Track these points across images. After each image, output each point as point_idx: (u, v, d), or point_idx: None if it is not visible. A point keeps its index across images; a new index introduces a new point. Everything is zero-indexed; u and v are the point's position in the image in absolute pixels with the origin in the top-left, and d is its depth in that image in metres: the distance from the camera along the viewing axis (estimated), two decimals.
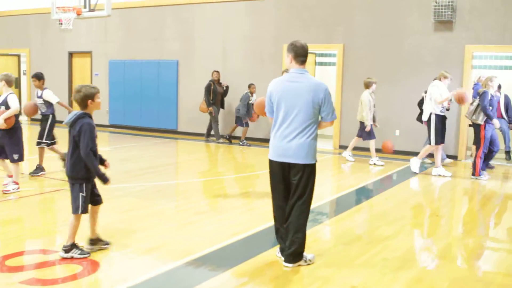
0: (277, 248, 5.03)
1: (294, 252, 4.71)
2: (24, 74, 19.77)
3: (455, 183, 9.20)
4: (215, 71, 13.65)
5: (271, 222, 6.24)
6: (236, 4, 14.00)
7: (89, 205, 4.95)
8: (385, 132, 12.10)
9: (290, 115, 4.58)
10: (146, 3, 15.50)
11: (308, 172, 4.66)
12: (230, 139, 13.69)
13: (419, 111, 10.81)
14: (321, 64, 15.41)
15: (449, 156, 11.43)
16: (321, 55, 15.42)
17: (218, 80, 13.63)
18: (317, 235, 5.17)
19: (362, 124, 10.76)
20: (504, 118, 11.27)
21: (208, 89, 13.36)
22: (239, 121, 13.33)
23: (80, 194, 4.80)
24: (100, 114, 16.75)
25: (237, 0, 13.93)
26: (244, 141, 13.31)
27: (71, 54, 17.36)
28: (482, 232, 6.37)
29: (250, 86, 13.20)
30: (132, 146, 12.77)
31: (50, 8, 12.88)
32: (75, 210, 4.81)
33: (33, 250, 5.14)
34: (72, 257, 4.80)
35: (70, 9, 12.30)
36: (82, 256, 4.82)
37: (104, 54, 16.52)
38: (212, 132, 13.87)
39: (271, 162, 4.78)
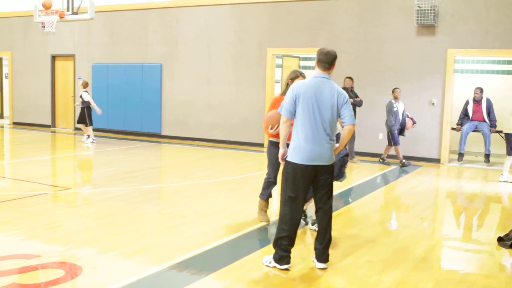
0: (267, 257, 4.91)
1: (328, 250, 4.88)
2: (6, 77, 19.55)
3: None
4: (347, 77, 11.26)
5: (254, 226, 6.26)
6: (220, 8, 13.99)
7: None
8: (368, 135, 12.17)
9: (318, 118, 4.65)
10: (130, 6, 15.42)
11: (331, 172, 4.83)
12: (386, 161, 11.40)
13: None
14: (304, 68, 15.46)
15: (432, 160, 11.52)
16: (305, 59, 15.48)
17: (352, 88, 11.22)
18: (301, 238, 5.19)
19: (508, 136, 9.35)
20: (486, 122, 11.41)
21: None
22: (392, 139, 11.06)
23: None
24: None
25: (222, 4, 13.92)
26: (385, 158, 11.38)
27: (54, 58, 17.21)
28: (466, 233, 6.43)
29: (394, 91, 11.13)
30: (115, 150, 12.68)
31: (33, 10, 12.77)
32: None
33: (14, 254, 5.06)
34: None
35: (53, 12, 12.20)
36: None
37: (87, 57, 16.40)
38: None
39: (299, 166, 4.67)
